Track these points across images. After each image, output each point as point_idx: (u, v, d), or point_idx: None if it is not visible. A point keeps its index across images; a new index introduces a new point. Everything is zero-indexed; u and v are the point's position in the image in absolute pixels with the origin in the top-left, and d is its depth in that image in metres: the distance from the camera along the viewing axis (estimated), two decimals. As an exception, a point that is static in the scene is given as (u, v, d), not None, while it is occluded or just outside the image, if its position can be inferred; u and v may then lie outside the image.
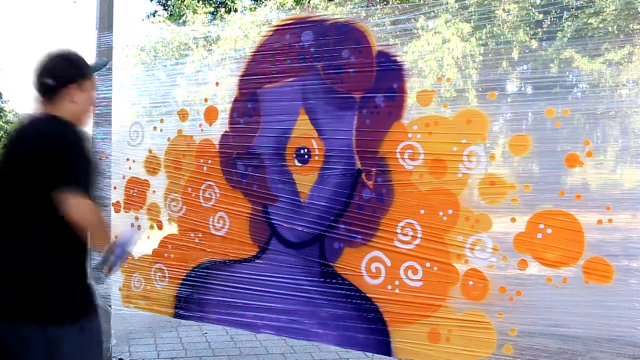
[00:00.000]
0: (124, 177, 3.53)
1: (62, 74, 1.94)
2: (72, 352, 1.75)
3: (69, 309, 1.80)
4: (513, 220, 2.40)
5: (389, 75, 2.64)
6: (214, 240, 3.14)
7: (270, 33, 2.97)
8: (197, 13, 10.67)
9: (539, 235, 2.35)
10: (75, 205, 1.76)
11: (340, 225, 2.76)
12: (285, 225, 2.91)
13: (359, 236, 2.71)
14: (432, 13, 2.69)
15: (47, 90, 1.93)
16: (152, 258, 3.40)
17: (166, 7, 12.47)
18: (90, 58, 2.47)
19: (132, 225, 2.40)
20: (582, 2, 2.57)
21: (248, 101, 3.02)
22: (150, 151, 3.41)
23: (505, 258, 2.41)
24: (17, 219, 1.82)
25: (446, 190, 2.52)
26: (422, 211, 2.57)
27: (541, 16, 2.56)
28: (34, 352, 1.71)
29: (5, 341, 1.72)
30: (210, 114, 3.18)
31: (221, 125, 3.14)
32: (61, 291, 1.79)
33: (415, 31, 2.69)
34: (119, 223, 3.59)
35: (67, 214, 1.76)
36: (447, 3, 2.69)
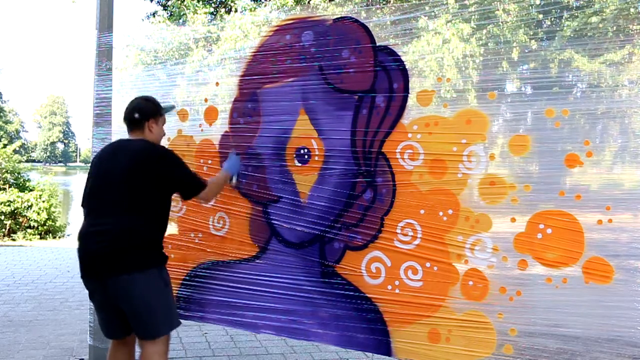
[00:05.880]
0: (124, 177, 3.52)
1: (144, 111, 2.73)
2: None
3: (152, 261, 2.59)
4: (513, 220, 2.40)
5: (389, 75, 2.64)
6: (214, 240, 3.14)
7: (270, 33, 2.97)
8: (197, 13, 10.67)
9: (539, 236, 2.35)
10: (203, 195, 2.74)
11: (340, 226, 2.77)
12: (285, 225, 2.91)
13: (359, 236, 2.71)
14: (432, 13, 2.70)
15: (134, 122, 2.71)
16: (152, 258, 3.40)
17: (166, 8, 12.47)
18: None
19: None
20: (582, 2, 2.57)
21: (248, 101, 3.02)
22: (150, 151, 3.41)
23: (505, 258, 2.41)
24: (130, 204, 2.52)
25: (446, 190, 2.52)
26: (422, 211, 2.57)
27: (541, 16, 2.56)
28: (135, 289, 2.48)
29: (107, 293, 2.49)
30: (210, 114, 3.18)
31: (221, 125, 3.14)
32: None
33: (416, 31, 2.69)
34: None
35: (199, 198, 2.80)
36: (448, 3, 2.69)
